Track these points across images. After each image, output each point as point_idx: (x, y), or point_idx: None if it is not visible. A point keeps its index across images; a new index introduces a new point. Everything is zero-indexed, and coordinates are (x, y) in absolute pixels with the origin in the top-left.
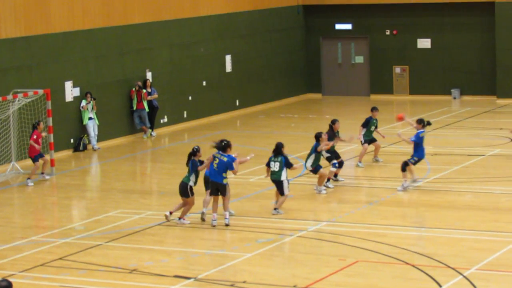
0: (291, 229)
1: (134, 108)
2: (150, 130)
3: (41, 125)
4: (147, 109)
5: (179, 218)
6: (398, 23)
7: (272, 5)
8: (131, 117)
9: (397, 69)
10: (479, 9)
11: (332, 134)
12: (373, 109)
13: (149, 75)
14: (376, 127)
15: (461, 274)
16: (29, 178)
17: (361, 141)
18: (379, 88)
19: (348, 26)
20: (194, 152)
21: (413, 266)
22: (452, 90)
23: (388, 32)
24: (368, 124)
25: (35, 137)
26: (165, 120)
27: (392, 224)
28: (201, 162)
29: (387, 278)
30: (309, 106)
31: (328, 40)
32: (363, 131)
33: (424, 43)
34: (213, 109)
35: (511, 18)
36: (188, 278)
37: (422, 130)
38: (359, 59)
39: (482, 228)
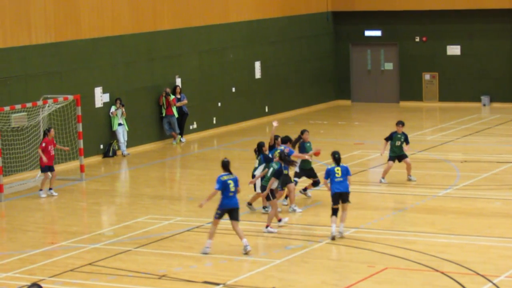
0: (321, 235)
1: (164, 114)
2: (180, 136)
3: (52, 132)
4: (176, 115)
5: (266, 227)
6: (428, 29)
7: (301, 12)
8: (160, 123)
9: (427, 76)
10: (509, 15)
11: (296, 144)
12: (398, 123)
13: (178, 81)
14: (404, 142)
15: (490, 281)
16: (41, 190)
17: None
18: (409, 95)
19: (377, 33)
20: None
21: (442, 273)
22: (481, 97)
23: (417, 39)
24: (392, 138)
25: (43, 145)
26: (195, 126)
27: (421, 231)
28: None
29: (416, 285)
30: (338, 113)
31: (358, 47)
32: (387, 145)
33: (453, 50)
34: (242, 115)
35: None
36: (217, 284)
37: None
38: (389, 66)
39: (511, 236)
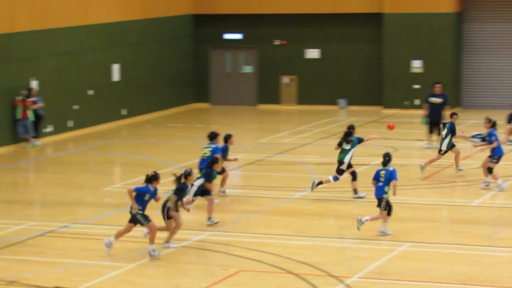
0: (175, 239)
1: (19, 117)
2: (34, 139)
3: None
4: (31, 118)
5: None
6: (288, 33)
7: (161, 14)
8: (14, 126)
9: (285, 79)
10: (367, 20)
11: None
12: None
13: (34, 84)
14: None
15: (343, 282)
16: None
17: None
18: (267, 98)
19: (238, 36)
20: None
21: (296, 275)
22: (338, 100)
23: (277, 42)
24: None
25: None
26: (50, 129)
27: (276, 234)
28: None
29: None
30: (197, 116)
31: (218, 50)
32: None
33: (312, 53)
34: (99, 118)
35: (398, 29)
36: None
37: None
38: (248, 69)
39: (365, 237)
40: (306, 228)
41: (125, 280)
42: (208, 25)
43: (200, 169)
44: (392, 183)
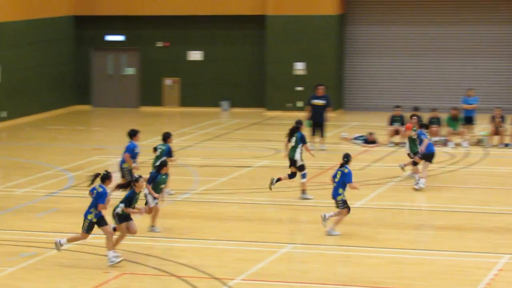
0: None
1: None
2: None
3: None
4: None
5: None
6: (170, 35)
7: (42, 16)
8: None
9: (168, 81)
10: (250, 22)
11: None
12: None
13: None
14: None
15: (226, 284)
16: None
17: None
18: (149, 100)
19: (120, 38)
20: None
21: (178, 277)
22: (221, 102)
23: (160, 44)
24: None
25: None
26: None
27: (159, 236)
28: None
29: None
30: (78, 118)
31: (99, 52)
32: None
33: (195, 55)
34: None
35: (281, 31)
36: None
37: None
38: (130, 71)
39: (248, 239)
40: (189, 230)
41: (4, 285)
42: (89, 27)
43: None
44: (349, 186)
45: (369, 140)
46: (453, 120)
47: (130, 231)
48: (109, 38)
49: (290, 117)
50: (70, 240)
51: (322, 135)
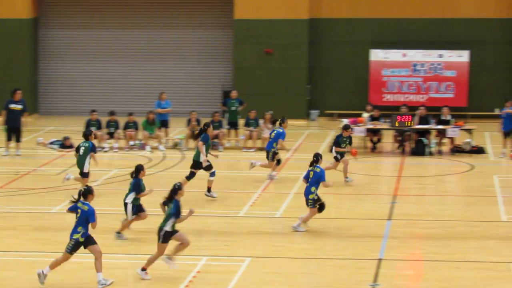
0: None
1: None
2: None
3: None
4: None
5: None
6: None
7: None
8: None
9: None
10: None
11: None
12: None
13: None
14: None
15: None
16: None
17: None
18: None
19: None
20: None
21: None
22: None
23: None
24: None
25: None
26: None
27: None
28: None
29: None
30: None
31: None
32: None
33: None
34: None
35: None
36: None
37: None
38: None
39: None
40: None
41: None
42: None
43: None
44: (322, 184)
45: (65, 145)
46: (149, 124)
47: (184, 243)
48: None
49: None
50: (53, 266)
51: (18, 140)
